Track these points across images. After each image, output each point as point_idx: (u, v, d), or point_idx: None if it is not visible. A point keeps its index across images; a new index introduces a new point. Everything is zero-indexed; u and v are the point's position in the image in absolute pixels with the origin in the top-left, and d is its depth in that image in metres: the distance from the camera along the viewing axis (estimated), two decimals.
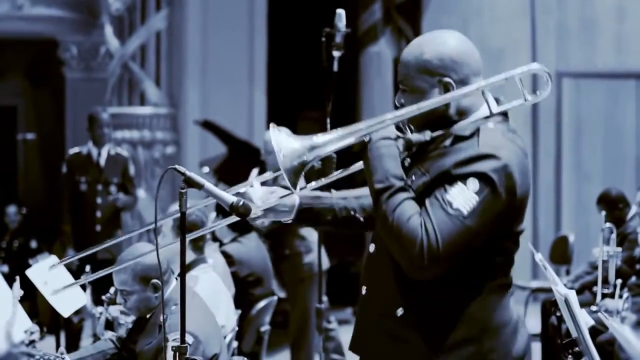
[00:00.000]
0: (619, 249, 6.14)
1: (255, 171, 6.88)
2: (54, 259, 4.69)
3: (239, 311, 5.04)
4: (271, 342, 5.94)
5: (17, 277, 3.88)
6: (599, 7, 10.20)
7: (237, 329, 4.85)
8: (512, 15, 10.21)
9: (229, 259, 5.58)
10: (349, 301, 9.30)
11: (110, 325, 5.01)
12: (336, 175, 2.83)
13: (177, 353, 2.78)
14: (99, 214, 7.47)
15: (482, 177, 2.50)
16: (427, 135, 2.66)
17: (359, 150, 2.65)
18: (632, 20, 10.18)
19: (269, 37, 10.31)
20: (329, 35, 5.07)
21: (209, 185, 2.78)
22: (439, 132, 2.65)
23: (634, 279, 6.14)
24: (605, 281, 5.96)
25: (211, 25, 10.02)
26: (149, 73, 9.83)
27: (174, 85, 9.98)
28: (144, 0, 9.82)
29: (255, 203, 2.82)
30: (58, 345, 5.04)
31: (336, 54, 5.07)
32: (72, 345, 7.20)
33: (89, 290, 6.57)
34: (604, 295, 5.92)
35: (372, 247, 2.74)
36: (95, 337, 7.38)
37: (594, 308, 5.76)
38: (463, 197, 2.50)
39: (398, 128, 2.70)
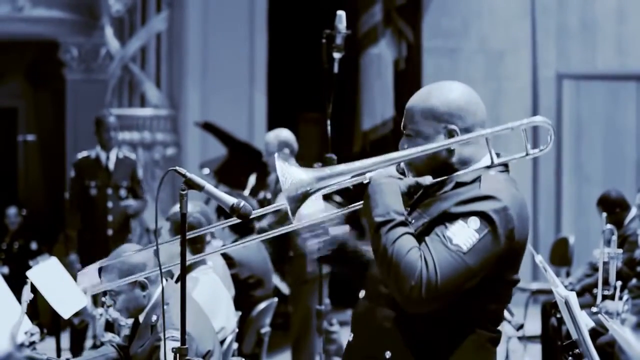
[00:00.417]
0: (620, 251, 6.14)
1: (253, 177, 6.90)
2: (54, 260, 4.70)
3: (240, 313, 5.04)
4: (271, 344, 5.94)
5: (28, 281, 3.89)
6: (600, 8, 10.21)
7: (237, 330, 4.85)
8: (512, 16, 10.22)
9: (229, 260, 5.57)
10: (349, 303, 9.31)
11: (110, 326, 5.02)
12: (335, 213, 2.81)
13: (178, 354, 2.78)
14: (110, 218, 7.45)
15: (483, 216, 2.52)
16: (427, 180, 2.68)
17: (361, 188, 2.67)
18: (633, 22, 10.19)
19: (269, 38, 10.31)
20: (329, 37, 5.07)
21: (209, 186, 2.78)
22: (440, 179, 2.67)
23: (634, 281, 6.14)
24: (606, 283, 5.96)
25: (211, 27, 10.03)
26: (150, 74, 9.84)
27: (174, 87, 9.99)
28: (144, 2, 9.83)
29: (302, 213, 2.75)
30: (58, 346, 5.04)
31: (336, 55, 5.07)
32: (77, 346, 7.22)
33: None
34: (604, 297, 5.92)
35: (362, 294, 2.76)
36: (96, 339, 7.41)
37: (594, 310, 5.76)
38: (464, 234, 2.51)
39: (400, 173, 2.72)
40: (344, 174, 2.65)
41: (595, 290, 6.13)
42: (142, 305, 3.86)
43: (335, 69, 5.08)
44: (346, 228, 2.90)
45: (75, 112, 11.55)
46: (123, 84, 9.89)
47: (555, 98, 10.09)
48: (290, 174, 2.62)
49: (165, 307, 3.72)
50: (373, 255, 2.61)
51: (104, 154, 7.53)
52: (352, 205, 2.79)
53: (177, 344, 3.29)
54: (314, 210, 2.79)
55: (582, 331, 3.00)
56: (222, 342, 4.60)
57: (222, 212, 5.79)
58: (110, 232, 7.41)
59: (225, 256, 5.57)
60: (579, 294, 6.48)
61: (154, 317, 3.78)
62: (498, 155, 2.71)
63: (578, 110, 10.24)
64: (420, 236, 2.56)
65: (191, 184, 2.76)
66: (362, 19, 10.19)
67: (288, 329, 6.87)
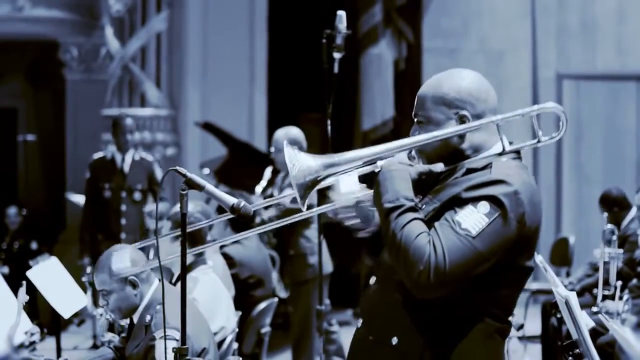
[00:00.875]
0: (620, 251, 6.13)
1: (269, 170, 6.87)
2: (54, 260, 4.71)
3: (240, 313, 5.04)
4: (271, 344, 5.94)
5: (24, 282, 3.89)
6: (600, 9, 10.21)
7: (237, 330, 4.85)
8: (512, 17, 10.22)
9: (229, 260, 5.57)
10: (349, 303, 9.31)
11: (111, 327, 5.03)
12: (360, 197, 2.76)
13: (178, 355, 2.78)
14: (123, 221, 7.36)
15: (493, 200, 2.51)
16: (439, 167, 2.68)
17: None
18: (633, 22, 10.19)
19: (269, 38, 10.31)
20: (330, 37, 5.07)
21: (209, 186, 2.79)
22: (451, 166, 2.67)
23: (634, 281, 6.14)
24: (606, 283, 5.96)
25: (211, 26, 10.03)
26: (150, 74, 9.83)
27: (174, 87, 9.98)
28: (144, 2, 9.82)
29: (340, 191, 2.74)
30: (58, 346, 5.04)
31: (336, 55, 5.07)
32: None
33: (89, 292, 6.58)
34: (604, 297, 5.92)
35: (372, 280, 2.76)
36: (96, 339, 7.41)
37: (594, 310, 5.76)
38: (473, 218, 2.50)
39: (411, 160, 2.71)
40: (353, 160, 2.64)
41: (595, 290, 6.13)
42: (134, 304, 3.87)
43: (336, 69, 5.08)
44: None
45: (75, 112, 11.55)
46: (123, 84, 9.89)
47: (555, 98, 10.08)
48: (298, 160, 2.60)
49: (158, 306, 3.74)
50: (384, 241, 2.60)
51: (119, 155, 7.45)
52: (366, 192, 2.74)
53: (171, 343, 3.30)
54: (352, 189, 2.74)
55: (582, 331, 3.00)
56: (222, 342, 4.60)
57: (223, 212, 5.79)
58: (123, 235, 7.33)
59: (226, 256, 5.57)
60: (579, 294, 6.49)
61: (148, 317, 3.79)
62: (510, 143, 2.70)
63: (578, 111, 10.24)
64: (430, 222, 2.54)
65: (191, 184, 2.76)
66: (362, 19, 10.18)
67: (288, 329, 6.87)
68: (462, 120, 2.66)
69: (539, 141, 2.73)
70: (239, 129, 9.89)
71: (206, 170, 9.04)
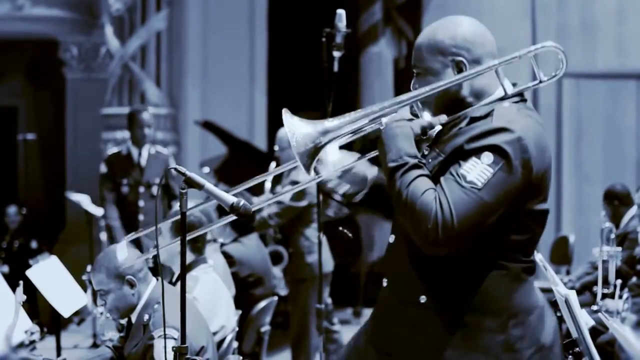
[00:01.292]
0: (619, 249, 6.13)
1: (273, 164, 6.86)
2: (54, 259, 4.71)
3: (240, 311, 5.04)
4: (271, 343, 5.94)
5: (21, 282, 3.89)
6: (600, 8, 10.20)
7: (237, 329, 4.85)
8: (512, 16, 10.22)
9: (229, 259, 5.58)
10: (349, 301, 9.31)
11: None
12: (352, 163, 2.75)
13: (178, 354, 2.78)
14: (142, 217, 7.21)
15: (495, 149, 2.46)
16: (442, 118, 2.62)
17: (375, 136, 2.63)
18: (633, 21, 10.18)
19: (269, 37, 10.31)
20: (330, 36, 5.07)
21: (209, 185, 2.78)
22: (454, 116, 2.61)
23: (634, 279, 6.14)
24: (606, 281, 5.96)
25: (211, 25, 10.03)
26: (149, 73, 9.83)
27: (174, 86, 9.98)
28: (144, 1, 9.82)
29: (328, 166, 2.72)
30: (58, 345, 5.04)
31: (336, 54, 5.07)
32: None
33: (89, 291, 6.57)
34: (604, 296, 5.92)
35: (391, 238, 2.70)
36: (96, 338, 7.41)
37: (594, 308, 5.76)
38: (477, 170, 2.45)
39: (413, 114, 2.66)
40: (352, 122, 2.60)
41: (595, 288, 6.13)
42: (132, 303, 3.87)
43: (335, 68, 5.08)
44: (375, 170, 2.81)
45: (75, 111, 11.54)
46: (123, 83, 9.88)
47: (556, 97, 10.08)
48: (296, 128, 2.57)
49: (156, 306, 3.75)
50: (392, 201, 2.56)
51: (135, 150, 7.27)
52: (370, 153, 2.73)
53: (170, 342, 3.30)
54: (342, 156, 2.72)
55: (582, 330, 2.99)
56: (222, 341, 4.60)
57: (223, 210, 5.79)
58: None
59: (226, 254, 5.58)
60: (580, 292, 6.49)
61: (146, 317, 3.80)
62: (514, 85, 2.65)
63: (578, 109, 10.23)
64: (436, 176, 2.51)
65: (191, 183, 2.75)
66: (362, 17, 10.19)
67: (288, 327, 6.87)
68: (458, 67, 2.62)
69: (540, 81, 2.70)
70: (238, 128, 9.89)
71: (206, 169, 9.05)
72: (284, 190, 6.44)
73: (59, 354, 4.81)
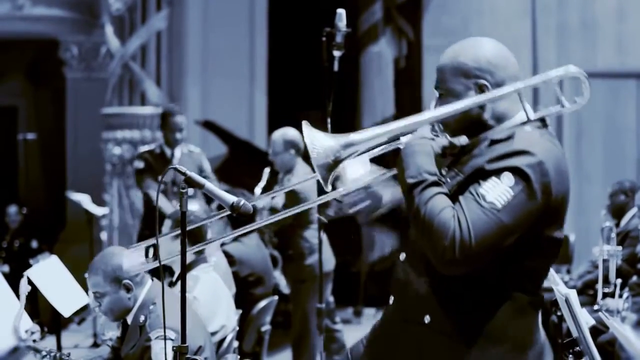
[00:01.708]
0: (619, 248, 6.13)
1: (267, 170, 6.85)
2: (54, 258, 4.70)
3: (240, 311, 5.04)
4: (272, 342, 5.94)
5: (25, 275, 3.90)
6: (600, 7, 10.20)
7: (237, 328, 4.85)
8: (512, 15, 10.21)
9: (229, 258, 5.58)
10: (349, 301, 9.30)
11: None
12: (369, 181, 2.74)
13: (178, 353, 2.78)
14: None
15: (516, 171, 2.46)
16: (462, 139, 2.63)
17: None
18: (633, 20, 10.18)
19: (269, 36, 10.31)
20: (330, 35, 5.06)
21: (209, 185, 2.78)
22: (475, 138, 2.62)
23: (634, 278, 6.13)
24: (606, 280, 5.95)
25: (212, 25, 10.03)
26: (150, 73, 9.83)
27: (174, 85, 9.98)
28: (144, 0, 9.81)
29: (348, 177, 2.70)
30: (59, 345, 5.04)
31: (337, 53, 5.06)
32: None
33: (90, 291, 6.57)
34: (604, 295, 5.92)
35: (402, 256, 2.70)
36: (96, 337, 7.41)
37: (595, 307, 5.76)
38: (497, 190, 2.44)
39: (435, 134, 2.66)
40: (373, 138, 2.59)
41: (596, 287, 6.13)
42: (127, 307, 3.86)
43: (336, 67, 5.08)
44: (398, 190, 2.77)
45: (75, 111, 11.55)
46: (123, 83, 9.88)
47: (555, 96, 10.08)
48: (317, 140, 2.55)
49: (152, 306, 3.74)
50: (409, 218, 2.56)
51: (168, 150, 7.24)
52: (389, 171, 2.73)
53: (169, 343, 3.31)
54: (361, 174, 2.71)
55: (582, 329, 3.00)
56: (222, 341, 4.60)
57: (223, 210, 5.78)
58: None
59: (226, 254, 5.58)
60: (581, 291, 6.49)
61: (142, 318, 3.79)
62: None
63: (578, 109, 10.22)
64: (455, 196, 2.50)
65: (191, 182, 2.75)
66: (363, 17, 10.18)
67: (289, 327, 6.87)
68: (481, 89, 2.61)
69: (563, 106, 2.70)
70: (239, 128, 9.89)
71: None
72: (275, 196, 6.45)
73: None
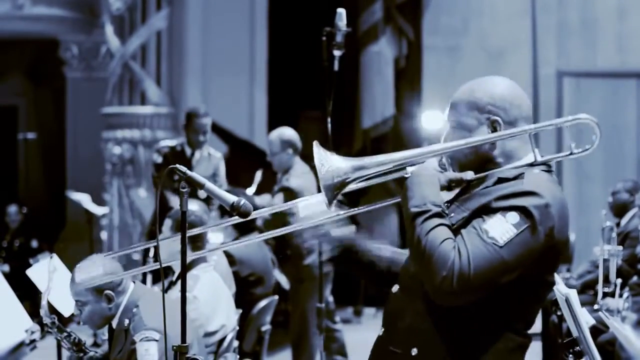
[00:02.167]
0: (620, 248, 6.14)
1: (259, 173, 6.85)
2: (55, 258, 4.70)
3: (240, 311, 5.04)
4: (272, 342, 5.94)
5: (53, 255, 3.91)
6: (600, 6, 10.21)
7: (237, 328, 4.85)
8: (512, 14, 10.22)
9: (230, 258, 5.58)
10: (349, 300, 9.31)
11: None
12: (364, 209, 2.75)
13: (178, 353, 2.78)
14: None
15: (523, 211, 2.48)
16: (469, 174, 2.64)
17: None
18: (633, 20, 10.18)
19: (269, 36, 10.31)
20: (330, 35, 5.07)
21: (209, 184, 2.79)
22: (482, 174, 2.63)
23: (635, 278, 6.14)
24: (606, 280, 5.96)
25: (212, 24, 10.03)
26: (150, 72, 9.83)
27: (174, 85, 9.98)
28: (144, 0, 9.82)
29: (300, 214, 2.74)
30: (59, 345, 5.03)
31: (337, 53, 5.07)
32: None
33: None
34: (604, 295, 5.92)
35: (395, 288, 2.71)
36: (96, 337, 7.41)
37: (595, 307, 5.76)
38: (501, 228, 2.46)
39: (442, 167, 2.68)
40: (383, 164, 2.61)
41: (596, 287, 6.14)
42: (107, 316, 3.85)
43: (336, 67, 5.08)
44: (352, 228, 2.84)
45: (75, 110, 11.55)
46: (123, 82, 9.88)
47: (556, 95, 10.08)
48: (328, 161, 2.57)
49: (135, 309, 3.75)
50: (408, 246, 2.57)
51: (189, 150, 7.13)
52: (360, 207, 2.74)
53: (151, 344, 3.31)
54: (315, 211, 2.73)
55: (582, 329, 3.00)
56: (222, 340, 4.61)
57: (225, 210, 5.79)
58: None
59: (226, 254, 5.58)
60: (581, 291, 6.49)
61: (126, 322, 3.77)
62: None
63: (578, 108, 10.22)
64: (458, 230, 2.51)
65: (191, 182, 2.75)
66: (363, 16, 10.18)
67: (289, 326, 6.87)
68: (493, 125, 2.63)
69: (571, 153, 2.71)
70: (239, 127, 9.89)
71: None
72: (274, 200, 6.46)
73: (59, 354, 4.81)
